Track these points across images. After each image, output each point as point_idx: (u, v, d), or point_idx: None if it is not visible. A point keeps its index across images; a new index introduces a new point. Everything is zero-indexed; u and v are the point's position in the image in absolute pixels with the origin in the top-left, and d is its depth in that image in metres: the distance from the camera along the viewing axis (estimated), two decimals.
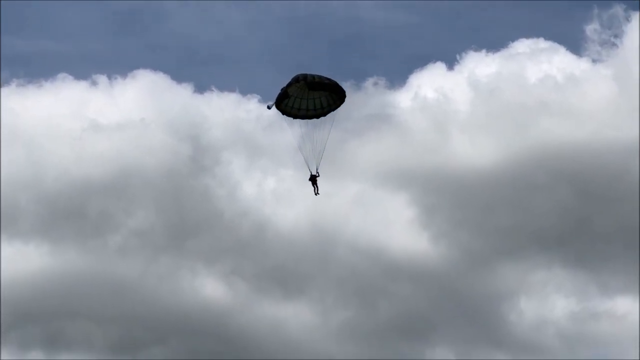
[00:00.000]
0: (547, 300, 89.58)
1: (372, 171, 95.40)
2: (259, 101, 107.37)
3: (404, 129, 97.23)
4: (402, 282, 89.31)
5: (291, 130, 56.25)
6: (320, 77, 54.54)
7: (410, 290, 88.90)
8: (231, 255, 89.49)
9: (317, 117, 55.78)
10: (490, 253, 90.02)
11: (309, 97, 55.39)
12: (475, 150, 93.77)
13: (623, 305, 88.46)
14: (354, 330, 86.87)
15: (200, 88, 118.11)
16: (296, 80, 54.29)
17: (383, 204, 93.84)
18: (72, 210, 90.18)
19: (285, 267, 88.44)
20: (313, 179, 57.14)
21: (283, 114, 55.73)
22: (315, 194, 57.38)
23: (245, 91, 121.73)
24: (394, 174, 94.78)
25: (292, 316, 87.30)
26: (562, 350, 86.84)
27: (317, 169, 56.76)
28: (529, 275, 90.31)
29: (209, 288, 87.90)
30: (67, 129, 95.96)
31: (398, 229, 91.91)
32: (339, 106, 55.71)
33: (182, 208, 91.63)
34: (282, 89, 54.72)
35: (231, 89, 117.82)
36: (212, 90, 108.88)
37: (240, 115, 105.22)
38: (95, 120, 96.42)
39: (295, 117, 55.75)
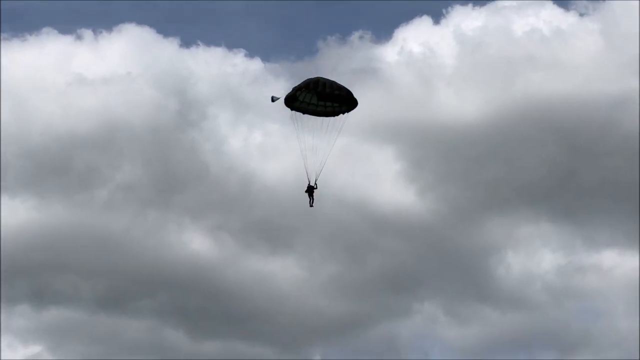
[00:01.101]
0: (534, 254, 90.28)
1: (359, 125, 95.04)
2: (245, 56, 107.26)
3: (390, 83, 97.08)
4: (390, 236, 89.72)
5: (296, 128, 54.31)
6: (332, 86, 52.91)
7: (397, 244, 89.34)
8: (218, 209, 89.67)
9: (327, 115, 53.96)
10: (477, 207, 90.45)
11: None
12: (462, 104, 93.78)
13: (609, 258, 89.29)
14: (342, 284, 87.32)
15: (186, 42, 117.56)
16: (306, 85, 52.87)
17: (370, 158, 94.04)
18: (58, 164, 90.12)
19: (272, 222, 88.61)
20: (310, 191, 55.56)
21: (292, 109, 53.90)
22: (310, 206, 55.73)
23: (231, 46, 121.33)
24: (381, 128, 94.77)
25: (280, 270, 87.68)
26: (548, 304, 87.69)
27: (315, 181, 55.23)
28: (516, 230, 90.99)
29: (196, 242, 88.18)
30: (52, 83, 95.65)
31: (385, 182, 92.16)
32: (351, 110, 53.77)
33: (168, 162, 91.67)
34: (293, 89, 53.27)
35: (217, 44, 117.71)
36: (198, 44, 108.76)
37: (226, 70, 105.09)
38: (80, 75, 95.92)
39: (304, 111, 53.95)
